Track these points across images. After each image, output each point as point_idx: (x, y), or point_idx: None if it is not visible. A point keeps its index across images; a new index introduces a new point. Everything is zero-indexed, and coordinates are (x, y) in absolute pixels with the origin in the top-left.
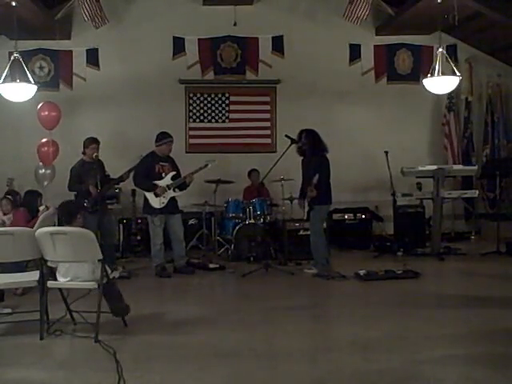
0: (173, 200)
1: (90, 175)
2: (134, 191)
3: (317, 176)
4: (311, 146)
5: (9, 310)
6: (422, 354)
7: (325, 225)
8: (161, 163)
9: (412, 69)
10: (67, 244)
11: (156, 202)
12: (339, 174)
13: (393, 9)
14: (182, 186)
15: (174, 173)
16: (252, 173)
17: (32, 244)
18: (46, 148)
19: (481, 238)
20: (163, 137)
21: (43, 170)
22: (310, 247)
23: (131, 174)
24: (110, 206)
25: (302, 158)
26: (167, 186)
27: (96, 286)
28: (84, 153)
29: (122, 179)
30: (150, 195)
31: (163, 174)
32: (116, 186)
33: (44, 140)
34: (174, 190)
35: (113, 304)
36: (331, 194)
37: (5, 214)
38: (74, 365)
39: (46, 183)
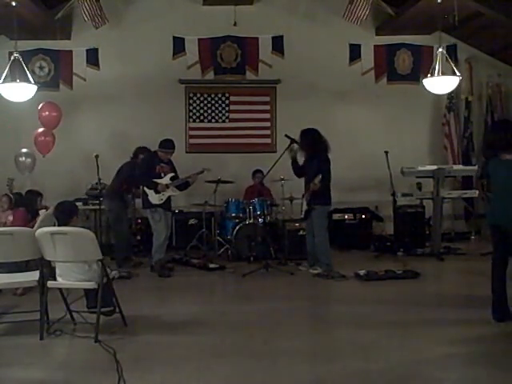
0: (168, 199)
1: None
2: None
3: (319, 176)
4: (310, 147)
5: None
6: (422, 354)
7: None
8: (161, 164)
9: (412, 69)
10: (67, 244)
11: (155, 199)
12: (339, 174)
13: (393, 9)
14: (183, 186)
15: (172, 174)
16: (256, 173)
17: (32, 244)
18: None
19: (481, 238)
20: (168, 146)
21: (23, 158)
22: (307, 247)
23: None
24: None
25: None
26: (166, 185)
27: (96, 286)
28: (136, 157)
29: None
30: (150, 192)
31: (162, 175)
32: None
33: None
34: (171, 190)
35: (92, 303)
36: (330, 195)
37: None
38: (74, 365)
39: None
